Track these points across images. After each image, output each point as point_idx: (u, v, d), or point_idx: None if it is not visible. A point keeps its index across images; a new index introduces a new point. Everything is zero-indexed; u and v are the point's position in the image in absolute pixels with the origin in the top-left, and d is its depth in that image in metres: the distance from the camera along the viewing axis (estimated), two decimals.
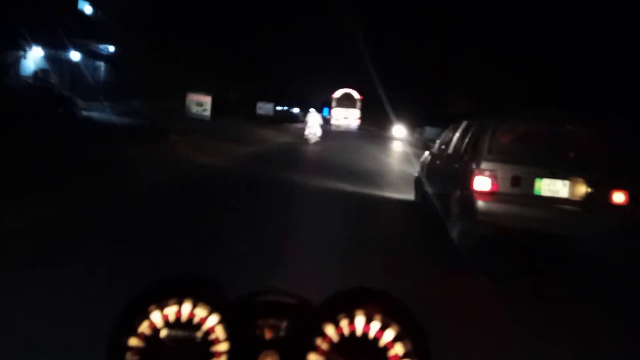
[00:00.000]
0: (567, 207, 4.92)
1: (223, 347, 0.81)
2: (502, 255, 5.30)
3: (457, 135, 6.17)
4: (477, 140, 5.27)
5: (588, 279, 4.82)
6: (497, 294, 4.29)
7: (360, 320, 0.80)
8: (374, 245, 5.45)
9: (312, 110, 21.72)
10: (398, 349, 0.79)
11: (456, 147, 5.98)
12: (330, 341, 0.80)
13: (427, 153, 7.86)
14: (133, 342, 0.81)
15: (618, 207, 4.88)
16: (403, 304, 0.82)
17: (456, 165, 5.62)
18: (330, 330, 0.80)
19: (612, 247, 4.91)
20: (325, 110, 57.66)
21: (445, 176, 6.02)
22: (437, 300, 3.70)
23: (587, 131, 5.13)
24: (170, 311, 0.82)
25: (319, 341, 0.79)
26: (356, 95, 50.73)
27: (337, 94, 50.01)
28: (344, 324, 0.80)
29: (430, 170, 7.03)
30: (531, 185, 4.94)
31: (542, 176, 4.94)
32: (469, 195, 5.04)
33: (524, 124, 5.23)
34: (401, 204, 8.29)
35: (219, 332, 0.81)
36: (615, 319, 3.76)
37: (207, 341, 0.81)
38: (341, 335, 0.80)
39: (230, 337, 0.81)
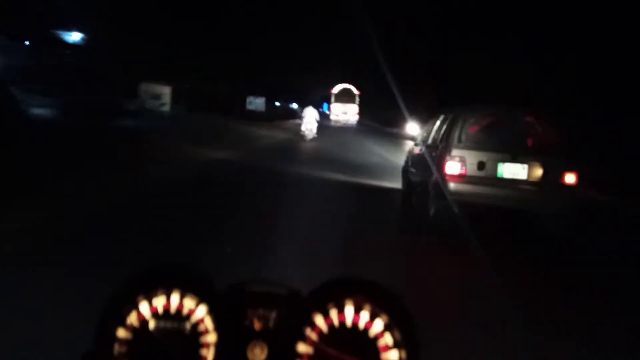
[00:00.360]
0: (525, 187, 5.76)
1: (212, 337, 0.81)
2: (470, 227, 6.16)
3: (435, 127, 7.00)
4: (449, 131, 6.10)
5: (587, 278, 4.84)
6: (462, 256, 5.16)
7: (349, 310, 0.80)
8: (367, 222, 6.31)
9: (309, 106, 20.84)
10: (388, 339, 0.79)
11: (434, 138, 6.81)
12: (319, 331, 0.80)
13: (412, 144, 8.69)
14: (121, 333, 0.80)
15: (569, 186, 5.72)
16: (392, 293, 0.83)
17: (433, 154, 6.45)
18: (319, 320, 0.80)
19: (563, 221, 5.75)
20: (325, 105, 58.16)
21: (425, 163, 6.86)
22: (414, 256, 4.57)
23: (542, 122, 5.96)
24: (159, 302, 0.82)
25: (308, 331, 0.80)
26: (355, 90, 51.23)
27: (336, 89, 50.47)
28: (333, 314, 0.80)
29: (413, 159, 7.86)
30: (494, 168, 5.78)
31: (504, 161, 5.78)
32: (443, 178, 5.88)
33: (488, 116, 6.06)
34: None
35: (208, 323, 0.81)
36: (611, 316, 3.80)
37: (196, 332, 0.81)
38: (330, 325, 0.80)
39: (218, 328, 0.81)
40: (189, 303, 0.82)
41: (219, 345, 0.80)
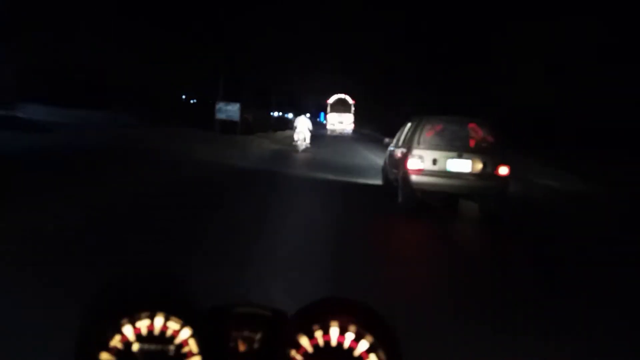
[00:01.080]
0: (469, 177, 7.55)
1: None
2: (428, 207, 7.96)
3: (403, 132, 8.81)
4: (412, 135, 7.91)
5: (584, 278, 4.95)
6: (422, 227, 6.94)
7: (334, 330, 0.81)
8: (356, 207, 8.10)
9: (301, 115, 20.25)
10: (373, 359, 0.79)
11: (401, 141, 8.61)
12: (304, 352, 0.80)
13: (390, 147, 10.49)
14: (104, 356, 0.80)
15: (501, 176, 7.51)
16: (377, 314, 0.83)
17: (400, 154, 8.25)
18: (304, 341, 0.80)
19: (496, 202, 7.55)
20: (322, 115, 59.60)
21: (396, 161, 8.64)
22: (388, 228, 6.36)
23: (481, 129, 7.77)
24: (143, 324, 0.82)
25: (293, 352, 0.80)
26: (350, 100, 52.83)
27: (332, 99, 52.10)
28: (318, 334, 0.81)
29: (389, 159, 9.65)
30: (445, 164, 7.57)
31: (452, 158, 7.57)
32: (406, 172, 7.67)
33: (441, 124, 7.87)
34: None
35: (192, 345, 0.81)
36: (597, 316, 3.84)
37: (180, 354, 0.81)
38: (315, 346, 0.80)
39: (203, 350, 0.81)
40: (173, 325, 0.82)
41: None
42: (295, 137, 19.08)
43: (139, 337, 0.81)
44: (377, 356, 0.79)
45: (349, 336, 0.80)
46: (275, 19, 29.19)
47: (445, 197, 7.75)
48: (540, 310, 3.92)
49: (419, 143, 7.69)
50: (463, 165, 7.56)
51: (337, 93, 52.80)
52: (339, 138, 35.42)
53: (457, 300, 4.04)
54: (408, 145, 7.86)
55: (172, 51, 23.26)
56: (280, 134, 30.13)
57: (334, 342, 0.80)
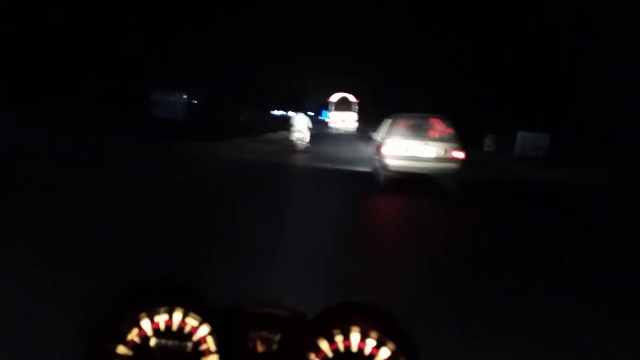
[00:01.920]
0: (432, 160, 9.71)
1: (214, 358, 0.81)
2: (402, 184, 10.15)
3: (383, 127, 10.98)
4: (388, 128, 10.08)
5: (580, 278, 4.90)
6: (398, 198, 9.13)
7: (355, 336, 0.80)
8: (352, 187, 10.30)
9: (299, 113, 18.79)
10: None
11: (382, 133, 10.78)
12: (324, 356, 0.80)
13: (375, 139, 12.66)
14: (121, 350, 0.80)
15: (457, 159, 9.66)
16: (398, 322, 0.82)
17: (380, 144, 10.42)
18: (324, 345, 0.80)
19: (452, 180, 9.71)
20: (325, 113, 60.97)
21: (378, 150, 10.81)
22: (371, 197, 8.56)
23: (442, 122, 9.92)
24: (161, 319, 0.82)
25: (312, 356, 0.80)
26: (352, 98, 54.10)
27: (334, 97, 53.52)
28: (338, 339, 0.80)
29: (374, 149, 11.83)
30: (414, 150, 9.72)
31: (419, 145, 9.72)
32: (383, 157, 9.84)
33: (410, 119, 10.03)
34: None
35: (210, 343, 0.82)
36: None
37: (198, 352, 0.81)
38: (335, 350, 0.80)
39: (221, 349, 0.81)
40: (191, 322, 0.82)
41: None
42: (294, 136, 17.90)
43: (157, 332, 0.82)
44: None
45: (370, 342, 0.80)
46: (277, 17, 29.43)
47: (414, 176, 9.92)
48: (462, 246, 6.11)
49: (393, 135, 9.87)
50: (427, 151, 9.72)
51: (342, 92, 54.13)
52: (343, 136, 35.76)
53: (410, 234, 6.24)
54: (385, 137, 10.03)
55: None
56: (270, 136, 25.44)
57: (354, 347, 0.80)
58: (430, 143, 9.73)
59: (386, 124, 10.76)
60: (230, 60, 25.89)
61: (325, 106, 55.88)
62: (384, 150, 9.81)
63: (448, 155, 9.67)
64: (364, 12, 36.46)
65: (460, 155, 9.69)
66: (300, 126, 17.85)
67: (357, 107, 53.50)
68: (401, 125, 9.98)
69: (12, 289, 3.35)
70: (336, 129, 47.19)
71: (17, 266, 3.80)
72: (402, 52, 33.94)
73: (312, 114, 19.56)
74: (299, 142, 17.83)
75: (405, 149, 9.76)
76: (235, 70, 26.85)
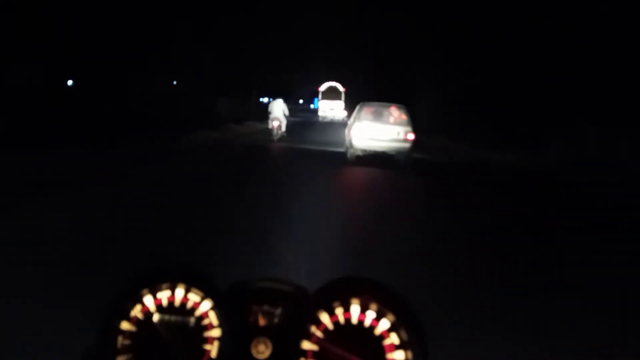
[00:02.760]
0: (389, 141, 12.02)
1: (216, 332, 0.82)
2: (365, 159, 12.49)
3: (353, 113, 13.28)
4: (356, 114, 12.39)
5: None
6: (362, 169, 11.46)
7: (355, 308, 0.82)
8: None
9: (278, 98, 17.20)
10: (394, 339, 0.80)
11: (352, 118, 13.07)
12: (324, 329, 0.81)
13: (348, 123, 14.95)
14: (125, 326, 0.82)
15: (410, 140, 11.98)
16: (399, 294, 0.83)
17: (349, 127, 12.70)
18: (325, 317, 0.81)
19: (405, 156, 12.07)
20: (316, 101, 62.16)
21: (347, 132, 13.10)
22: (340, 168, 10.90)
23: (398, 109, 12.25)
24: (163, 295, 0.84)
25: (313, 329, 0.81)
26: (340, 88, 56.08)
27: (323, 87, 55.04)
28: (339, 312, 0.82)
29: (346, 131, 14.13)
30: (376, 132, 12.01)
31: (379, 128, 12.02)
32: (351, 138, 12.15)
33: (373, 106, 12.35)
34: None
35: (212, 318, 0.83)
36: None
37: (200, 326, 0.83)
38: (336, 323, 0.81)
39: (223, 323, 0.82)
40: (193, 297, 0.83)
41: (223, 341, 0.82)
42: (270, 124, 16.38)
43: (160, 308, 0.83)
44: (398, 335, 0.80)
45: (370, 314, 0.81)
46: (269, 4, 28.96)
47: (375, 153, 12.29)
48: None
49: (359, 119, 12.18)
50: (386, 133, 12.03)
51: (331, 81, 55.47)
52: (329, 123, 36.56)
53: (367, 192, 8.58)
54: (353, 120, 12.35)
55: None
56: (251, 125, 23.82)
57: (354, 320, 0.81)
58: (388, 126, 12.04)
59: (355, 109, 13.08)
60: (212, 48, 24.82)
61: (317, 95, 56.85)
62: (351, 132, 12.12)
63: (402, 137, 11.99)
64: (361, 5, 36.81)
65: (412, 137, 12.03)
66: (277, 113, 16.18)
67: (344, 96, 54.85)
68: (366, 112, 12.30)
69: None
70: (323, 117, 48.22)
71: None
72: (395, 43, 34.03)
73: (280, 99, 16.05)
74: (274, 130, 16.22)
75: (368, 131, 12.06)
76: (218, 58, 25.63)
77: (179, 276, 0.85)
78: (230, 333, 0.81)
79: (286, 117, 16.60)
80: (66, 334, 2.20)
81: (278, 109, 16.33)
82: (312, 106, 61.66)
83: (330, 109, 52.63)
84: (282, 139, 16.48)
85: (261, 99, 41.61)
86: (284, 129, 16.54)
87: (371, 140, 12.01)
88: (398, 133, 11.96)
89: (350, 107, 52.53)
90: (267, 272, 0.93)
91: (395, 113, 12.24)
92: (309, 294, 0.86)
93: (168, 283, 0.84)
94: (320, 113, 51.61)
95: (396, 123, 12.10)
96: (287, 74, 50.45)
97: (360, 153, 12.29)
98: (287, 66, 45.32)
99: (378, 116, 12.17)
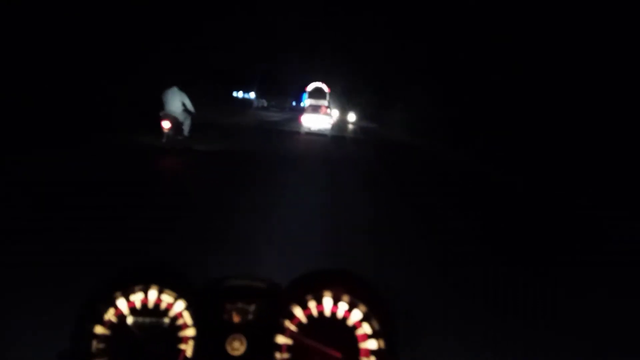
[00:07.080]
0: (320, 122, 19.36)
1: (190, 332, 0.83)
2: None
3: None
4: (304, 104, 19.40)
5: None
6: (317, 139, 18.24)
7: (327, 301, 0.83)
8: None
9: (173, 87, 10.43)
10: (366, 328, 0.82)
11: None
12: (298, 322, 0.83)
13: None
14: (99, 330, 0.81)
15: (350, 121, 18.86)
16: (370, 284, 0.85)
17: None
18: (298, 311, 0.83)
19: (329, 132, 19.40)
20: (304, 96, 65.30)
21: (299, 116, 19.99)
22: (296, 137, 18.00)
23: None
24: (136, 298, 0.84)
25: (286, 323, 0.82)
26: (325, 88, 62.30)
27: (310, 87, 61.00)
28: (312, 305, 0.83)
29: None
30: (312, 109, 19.34)
31: (315, 114, 19.03)
32: (300, 121, 19.59)
33: (311, 98, 19.39)
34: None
35: (186, 318, 0.83)
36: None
37: (175, 327, 0.83)
38: (309, 316, 0.83)
39: (197, 322, 0.83)
40: (167, 298, 0.84)
41: (197, 340, 0.82)
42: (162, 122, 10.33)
43: (133, 311, 0.83)
44: (371, 325, 0.82)
45: (342, 306, 0.82)
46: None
47: (313, 131, 19.16)
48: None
49: (305, 100, 19.32)
50: (319, 118, 19.01)
51: (317, 82, 60.63)
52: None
53: (309, 152, 15.56)
54: (304, 110, 19.55)
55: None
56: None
57: (327, 312, 0.83)
58: (321, 113, 18.95)
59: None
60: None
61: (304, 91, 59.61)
62: (302, 116, 19.15)
63: (343, 117, 19.13)
64: (348, 9, 35.78)
65: (353, 117, 19.11)
66: (171, 107, 10.51)
67: (329, 97, 60.14)
68: (308, 102, 19.27)
69: None
70: (308, 128, 51.16)
71: None
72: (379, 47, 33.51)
73: (176, 87, 9.44)
74: (165, 133, 10.36)
75: (309, 115, 18.89)
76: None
77: (151, 278, 0.86)
78: (204, 332, 0.83)
79: (190, 113, 10.87)
80: None
81: (174, 102, 10.56)
82: (300, 103, 63.95)
83: (316, 119, 55.61)
84: (176, 141, 10.66)
85: (233, 93, 38.46)
86: (186, 131, 10.98)
87: (310, 122, 19.64)
88: (325, 117, 19.07)
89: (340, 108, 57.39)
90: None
91: (325, 103, 19.27)
92: (282, 289, 0.87)
93: (141, 285, 0.85)
94: (304, 123, 55.03)
95: (325, 111, 19.13)
96: (277, 70, 46.72)
97: (306, 130, 19.32)
98: (274, 59, 42.34)
99: (316, 97, 19.23)
